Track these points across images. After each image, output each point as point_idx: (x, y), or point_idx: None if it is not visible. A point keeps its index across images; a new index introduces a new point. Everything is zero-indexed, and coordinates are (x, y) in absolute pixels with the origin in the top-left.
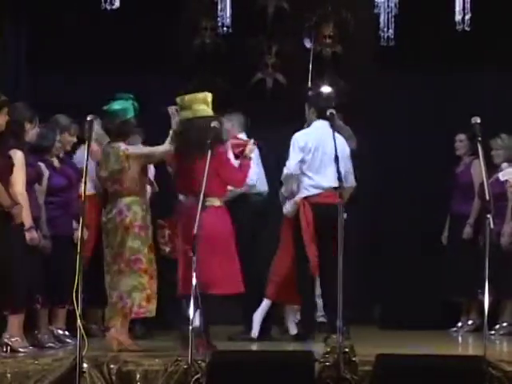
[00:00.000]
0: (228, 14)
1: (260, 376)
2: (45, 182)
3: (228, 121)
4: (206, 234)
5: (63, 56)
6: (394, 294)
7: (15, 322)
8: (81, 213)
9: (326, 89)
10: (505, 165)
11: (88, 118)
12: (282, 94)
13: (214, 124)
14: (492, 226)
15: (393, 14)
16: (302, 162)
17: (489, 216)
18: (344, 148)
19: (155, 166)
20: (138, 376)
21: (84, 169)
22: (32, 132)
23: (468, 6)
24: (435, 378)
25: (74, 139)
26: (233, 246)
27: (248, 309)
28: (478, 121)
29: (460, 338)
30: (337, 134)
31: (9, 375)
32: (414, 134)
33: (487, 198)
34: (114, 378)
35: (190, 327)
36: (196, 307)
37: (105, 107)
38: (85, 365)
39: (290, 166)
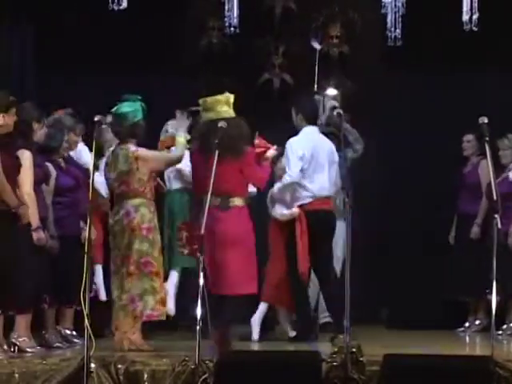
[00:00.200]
0: (235, 14)
1: (268, 376)
2: (52, 182)
3: None
4: (232, 235)
5: (64, 56)
6: (401, 294)
7: (22, 321)
8: (88, 213)
9: (331, 91)
10: None
11: (95, 119)
12: (289, 94)
13: (220, 124)
14: (499, 225)
15: (400, 13)
16: (301, 170)
17: (496, 216)
18: (335, 153)
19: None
20: (145, 376)
21: (91, 169)
22: (40, 132)
23: (476, 5)
24: (442, 378)
25: (80, 139)
26: (254, 247)
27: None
28: (486, 121)
29: (467, 338)
30: (326, 139)
31: (16, 375)
32: (420, 134)
33: (495, 198)
34: (121, 377)
35: (198, 327)
36: (203, 307)
37: (113, 109)
38: (92, 365)
39: (293, 173)
